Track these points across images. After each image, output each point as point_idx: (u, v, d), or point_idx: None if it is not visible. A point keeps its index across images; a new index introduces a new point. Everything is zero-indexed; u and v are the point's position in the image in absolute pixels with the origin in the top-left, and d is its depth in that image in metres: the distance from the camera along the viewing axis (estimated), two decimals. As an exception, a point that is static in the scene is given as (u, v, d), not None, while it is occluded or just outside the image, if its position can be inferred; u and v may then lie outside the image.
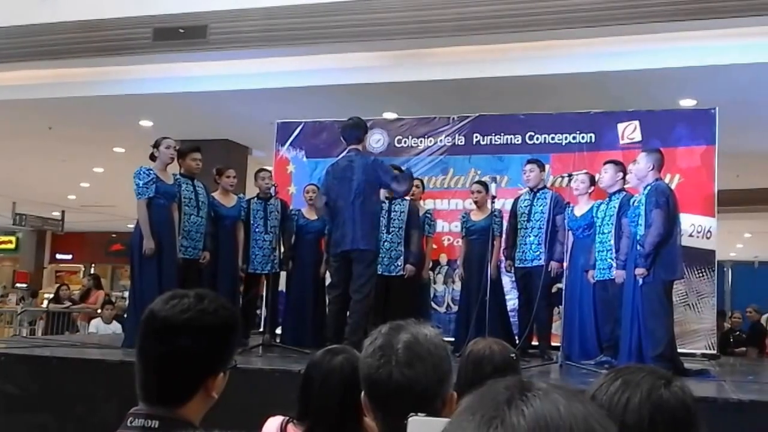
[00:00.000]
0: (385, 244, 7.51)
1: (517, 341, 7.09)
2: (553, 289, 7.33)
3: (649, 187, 6.15)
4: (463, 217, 7.86)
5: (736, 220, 15.48)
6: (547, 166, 7.84)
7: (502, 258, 7.59)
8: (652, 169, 6.22)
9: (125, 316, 9.10)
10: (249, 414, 3.00)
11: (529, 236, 7.33)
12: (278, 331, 8.01)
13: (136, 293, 6.87)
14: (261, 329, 8.14)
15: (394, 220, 7.74)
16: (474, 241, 7.59)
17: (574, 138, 8.30)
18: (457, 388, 1.79)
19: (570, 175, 7.25)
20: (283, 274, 8.11)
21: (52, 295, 15.38)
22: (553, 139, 8.37)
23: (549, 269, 7.08)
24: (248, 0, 8.55)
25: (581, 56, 8.06)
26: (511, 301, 7.81)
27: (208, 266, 7.42)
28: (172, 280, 6.53)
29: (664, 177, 6.67)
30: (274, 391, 4.80)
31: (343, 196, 6.60)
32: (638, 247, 6.07)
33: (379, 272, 7.18)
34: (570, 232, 7.08)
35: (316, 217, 7.90)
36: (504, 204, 7.95)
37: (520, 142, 8.47)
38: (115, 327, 10.87)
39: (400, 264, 7.74)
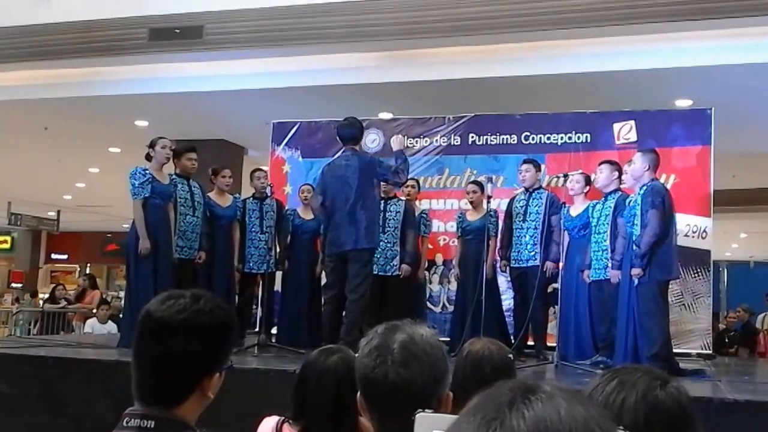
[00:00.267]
0: (381, 243, 7.51)
1: (513, 341, 7.10)
2: (549, 289, 7.33)
3: (645, 188, 6.16)
4: (459, 217, 7.87)
5: (732, 220, 15.50)
6: (542, 166, 7.84)
7: (498, 258, 7.61)
8: (647, 170, 6.22)
9: (121, 316, 9.11)
10: (244, 414, 3.00)
11: (525, 236, 7.34)
12: (274, 331, 8.00)
13: (132, 293, 6.87)
14: (256, 329, 8.14)
15: (390, 219, 7.75)
16: (470, 241, 7.59)
17: (569, 138, 8.30)
18: (454, 389, 1.79)
19: (566, 175, 7.25)
20: (278, 274, 8.12)
21: (47, 295, 15.36)
22: (548, 139, 8.37)
23: (544, 269, 7.09)
24: (244, 1, 8.55)
25: (577, 56, 8.07)
26: (507, 301, 7.81)
27: (204, 266, 7.42)
28: (167, 280, 6.54)
29: (659, 177, 6.68)
30: (270, 392, 4.79)
31: (339, 196, 6.59)
32: (634, 248, 6.08)
33: (375, 272, 7.18)
34: (566, 232, 7.09)
35: (311, 217, 7.90)
36: (500, 204, 7.95)
37: (515, 142, 8.48)
38: (111, 327, 10.86)
39: (395, 264, 7.74)
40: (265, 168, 8.70)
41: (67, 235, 23.73)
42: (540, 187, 7.50)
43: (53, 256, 26.23)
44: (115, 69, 9.34)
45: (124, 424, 1.64)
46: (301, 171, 9.04)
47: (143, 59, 9.08)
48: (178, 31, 8.69)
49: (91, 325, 11.31)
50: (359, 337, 1.88)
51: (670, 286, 6.50)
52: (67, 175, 15.98)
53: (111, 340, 7.63)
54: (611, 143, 8.13)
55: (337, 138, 6.94)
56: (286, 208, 8.32)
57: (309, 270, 7.97)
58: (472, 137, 8.62)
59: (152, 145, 6.99)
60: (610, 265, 6.59)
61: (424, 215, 8.18)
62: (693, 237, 7.73)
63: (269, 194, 7.72)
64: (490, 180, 7.37)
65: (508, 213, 7.58)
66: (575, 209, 7.13)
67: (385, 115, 9.44)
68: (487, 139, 8.58)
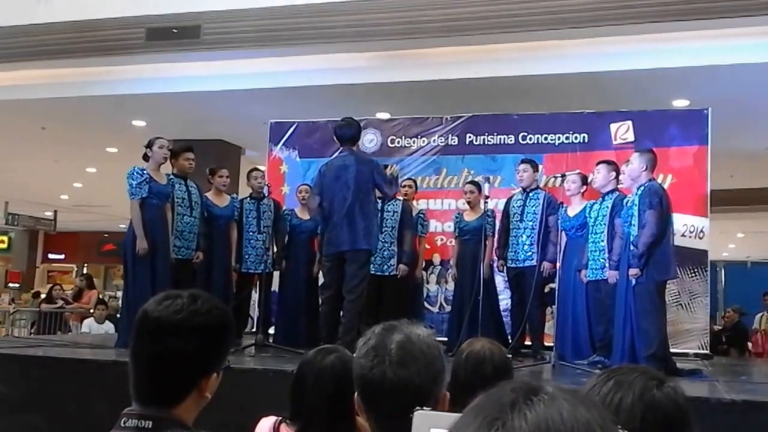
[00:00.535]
0: (378, 244, 7.51)
1: (510, 341, 7.10)
2: (546, 289, 7.34)
3: (642, 188, 6.16)
4: (457, 217, 7.87)
5: (729, 220, 15.50)
6: (540, 166, 7.84)
7: (495, 258, 7.61)
8: (645, 170, 6.22)
9: (118, 316, 9.09)
10: (242, 414, 3.00)
11: (522, 236, 7.34)
12: (271, 330, 8.00)
13: (129, 293, 6.85)
14: (254, 329, 8.13)
15: (387, 220, 7.75)
16: (467, 241, 7.60)
17: (567, 138, 8.31)
18: (453, 389, 1.80)
19: (563, 176, 7.26)
20: (276, 274, 8.12)
21: (44, 295, 15.35)
22: (546, 139, 8.38)
23: (542, 269, 7.09)
24: (242, 1, 8.54)
25: (574, 56, 8.08)
26: (504, 301, 7.81)
27: (202, 266, 7.41)
28: (165, 281, 6.53)
29: (656, 177, 6.68)
30: (267, 392, 4.78)
31: (337, 197, 6.58)
32: (631, 248, 6.08)
33: (372, 272, 7.18)
34: (563, 232, 7.09)
35: (308, 217, 7.89)
36: (497, 204, 7.95)
37: (513, 142, 8.48)
38: (108, 327, 10.86)
39: (393, 264, 7.75)
40: (262, 168, 8.70)
41: (64, 235, 23.71)
42: (537, 188, 7.49)
43: (50, 256, 26.19)
44: (112, 69, 9.33)
45: (122, 424, 1.64)
46: (299, 171, 9.04)
47: (140, 59, 9.08)
48: (175, 31, 8.68)
49: (89, 325, 11.30)
50: (357, 337, 1.89)
51: (668, 286, 6.50)
52: (64, 175, 15.97)
53: (108, 340, 7.62)
54: (608, 143, 8.13)
55: (335, 138, 6.94)
56: (284, 208, 8.32)
57: (306, 270, 7.97)
58: (470, 137, 8.63)
59: (149, 145, 6.99)
60: (607, 265, 6.60)
61: (422, 215, 8.18)
62: (690, 237, 7.74)
63: (266, 194, 7.72)
64: (487, 180, 7.37)
65: (506, 213, 7.58)
66: (572, 209, 7.13)
67: (383, 115, 9.45)
68: (484, 139, 8.59)
